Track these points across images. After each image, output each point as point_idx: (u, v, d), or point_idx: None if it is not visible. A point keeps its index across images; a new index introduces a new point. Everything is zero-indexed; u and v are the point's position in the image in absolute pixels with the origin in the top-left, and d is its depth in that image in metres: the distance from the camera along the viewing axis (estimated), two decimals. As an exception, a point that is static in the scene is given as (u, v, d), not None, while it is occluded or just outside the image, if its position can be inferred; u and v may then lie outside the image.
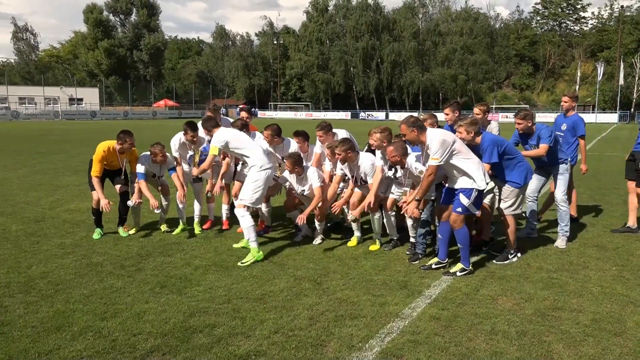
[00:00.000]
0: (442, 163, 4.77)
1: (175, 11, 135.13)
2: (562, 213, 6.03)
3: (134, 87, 73.94)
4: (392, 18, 77.66)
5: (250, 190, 5.50)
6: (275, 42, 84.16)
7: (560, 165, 6.08)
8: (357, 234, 6.10)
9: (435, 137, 4.77)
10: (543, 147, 5.81)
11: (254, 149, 5.67)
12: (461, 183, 4.90)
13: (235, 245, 5.90)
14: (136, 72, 79.92)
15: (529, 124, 5.83)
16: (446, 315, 4.04)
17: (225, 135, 5.69)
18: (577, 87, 61.05)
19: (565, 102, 6.85)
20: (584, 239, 6.30)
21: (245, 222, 5.47)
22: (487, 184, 5.01)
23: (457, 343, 3.59)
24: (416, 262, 5.36)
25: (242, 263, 5.26)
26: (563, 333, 3.75)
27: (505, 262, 5.31)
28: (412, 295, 4.45)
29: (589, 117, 55.40)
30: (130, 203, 6.30)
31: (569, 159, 6.26)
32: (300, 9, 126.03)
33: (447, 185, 5.14)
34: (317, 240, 6.10)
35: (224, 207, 6.80)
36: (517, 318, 4.00)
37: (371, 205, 5.60)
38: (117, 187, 6.47)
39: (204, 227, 6.65)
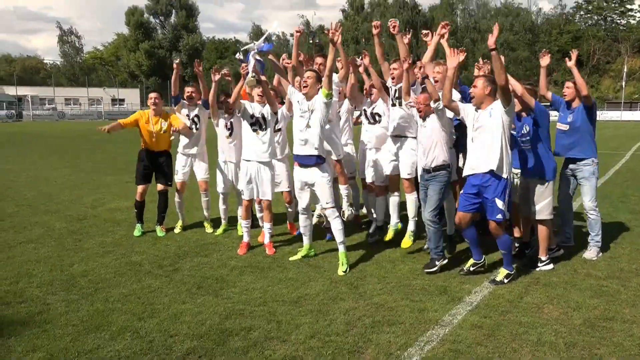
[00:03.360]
0: (509, 107, 4.52)
1: (213, 12, 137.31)
2: (592, 222, 5.58)
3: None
4: (430, 16, 76.55)
5: (330, 192, 5.26)
6: (311, 41, 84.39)
7: (585, 168, 5.51)
8: (394, 221, 5.86)
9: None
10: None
11: None
12: (488, 164, 4.58)
13: (291, 259, 5.47)
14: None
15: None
16: (489, 323, 3.88)
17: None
18: (624, 83, 58.68)
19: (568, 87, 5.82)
20: (636, 244, 5.97)
21: (339, 223, 5.25)
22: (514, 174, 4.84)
23: (501, 354, 3.43)
24: (434, 269, 5.02)
25: (343, 272, 5.03)
26: (616, 345, 3.53)
27: (536, 269, 5.08)
28: (452, 302, 4.30)
29: (636, 115, 53.23)
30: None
31: (595, 159, 5.56)
32: (337, 8, 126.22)
33: (465, 173, 4.84)
34: (348, 215, 5.80)
35: (267, 226, 5.85)
36: (564, 328, 3.80)
37: None
38: (158, 185, 6.57)
39: (239, 252, 5.72)
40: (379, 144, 5.99)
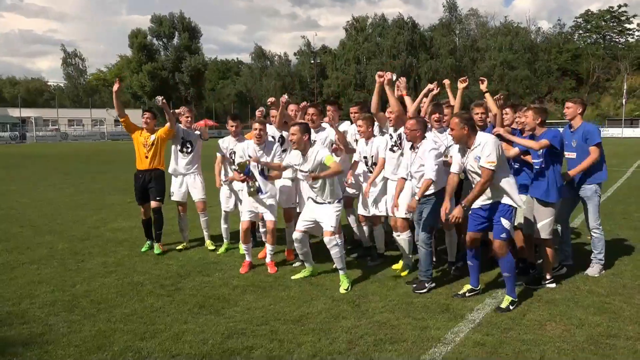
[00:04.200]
0: (495, 169, 4.47)
1: (216, 34, 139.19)
2: (595, 240, 5.57)
3: (175, 107, 76.01)
4: (429, 35, 77.43)
5: (337, 219, 5.24)
6: (312, 61, 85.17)
7: (588, 187, 5.51)
8: (405, 261, 5.72)
9: (489, 139, 4.52)
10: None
11: None
12: (500, 199, 4.64)
13: (294, 277, 5.48)
14: (178, 93, 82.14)
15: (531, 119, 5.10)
16: (491, 341, 3.87)
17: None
18: (624, 100, 58.98)
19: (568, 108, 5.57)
20: (638, 261, 5.96)
21: (338, 251, 5.19)
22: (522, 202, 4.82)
23: (504, 372, 3.41)
24: (423, 290, 4.98)
25: (345, 290, 5.05)
26: (619, 363, 3.52)
27: (538, 286, 5.09)
28: (454, 320, 4.29)
29: (637, 132, 53.30)
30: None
31: (600, 182, 5.58)
32: (339, 28, 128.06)
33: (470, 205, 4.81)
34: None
35: (269, 248, 5.84)
36: (567, 345, 3.79)
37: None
38: (152, 203, 6.62)
39: (241, 271, 5.75)
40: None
